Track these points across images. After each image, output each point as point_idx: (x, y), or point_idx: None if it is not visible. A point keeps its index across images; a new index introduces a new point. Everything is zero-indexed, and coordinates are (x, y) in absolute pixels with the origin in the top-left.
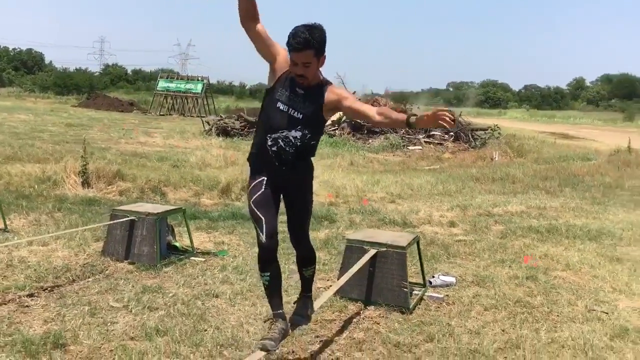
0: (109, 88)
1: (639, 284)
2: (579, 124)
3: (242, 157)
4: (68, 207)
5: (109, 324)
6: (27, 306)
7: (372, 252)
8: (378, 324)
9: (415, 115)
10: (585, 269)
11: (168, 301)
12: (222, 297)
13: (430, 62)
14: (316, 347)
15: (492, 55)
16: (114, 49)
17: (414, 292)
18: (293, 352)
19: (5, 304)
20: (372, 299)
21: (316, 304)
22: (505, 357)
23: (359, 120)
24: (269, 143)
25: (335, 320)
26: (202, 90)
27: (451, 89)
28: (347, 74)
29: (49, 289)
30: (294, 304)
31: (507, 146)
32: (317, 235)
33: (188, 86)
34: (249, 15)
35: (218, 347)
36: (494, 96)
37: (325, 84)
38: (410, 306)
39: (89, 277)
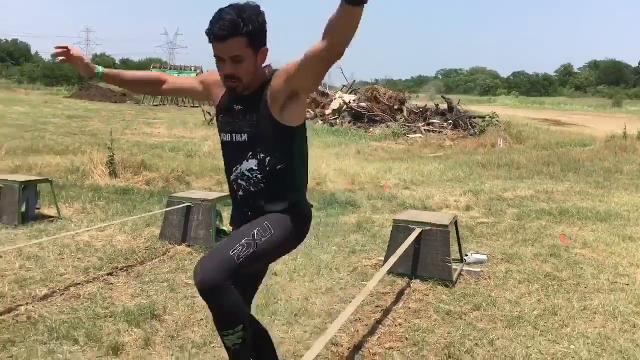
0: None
1: None
2: (569, 111)
3: None
4: (106, 196)
5: (190, 297)
6: (111, 284)
7: (418, 231)
8: (427, 295)
9: None
10: (601, 247)
11: None
12: (281, 275)
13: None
14: (379, 315)
15: (479, 41)
16: (100, 39)
17: (454, 267)
18: (360, 319)
19: (91, 282)
20: (418, 274)
21: (372, 282)
22: (546, 323)
23: (320, 71)
24: (235, 189)
25: (389, 293)
26: None
27: (440, 77)
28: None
29: (123, 269)
30: None
31: (506, 133)
32: (348, 219)
33: (182, 76)
34: (154, 88)
35: (293, 315)
36: (483, 83)
37: (270, 79)
38: (454, 280)
39: (154, 259)
